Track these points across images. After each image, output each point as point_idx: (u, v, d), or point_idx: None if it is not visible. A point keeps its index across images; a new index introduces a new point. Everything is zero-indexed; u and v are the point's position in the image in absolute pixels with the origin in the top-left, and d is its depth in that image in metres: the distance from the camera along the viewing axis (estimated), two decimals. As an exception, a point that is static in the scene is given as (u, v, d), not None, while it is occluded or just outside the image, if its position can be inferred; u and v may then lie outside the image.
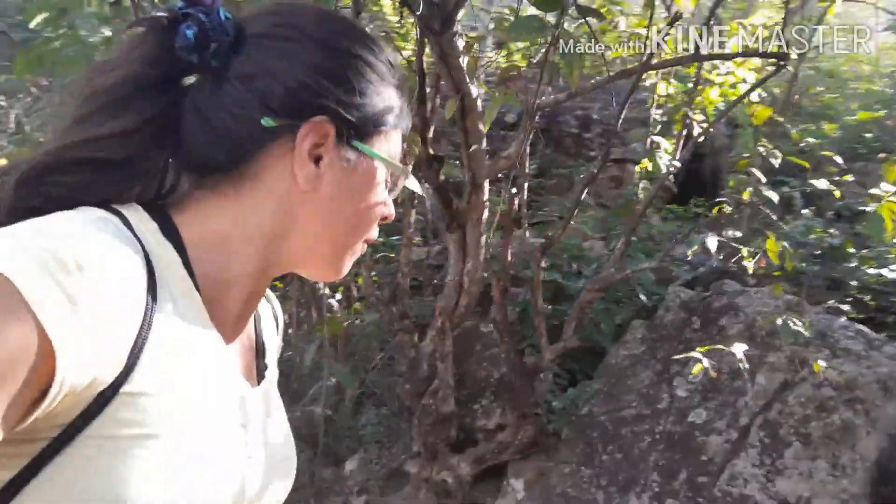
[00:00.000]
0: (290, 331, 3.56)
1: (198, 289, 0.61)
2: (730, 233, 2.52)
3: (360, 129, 0.65)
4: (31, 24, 2.45)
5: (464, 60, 2.48)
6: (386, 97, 0.68)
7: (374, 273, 3.50)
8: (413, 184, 0.75)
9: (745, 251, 2.44)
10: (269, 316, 0.82)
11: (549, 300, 3.33)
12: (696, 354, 2.26)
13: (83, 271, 0.49)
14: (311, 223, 0.66)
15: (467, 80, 2.50)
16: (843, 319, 2.97)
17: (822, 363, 2.35)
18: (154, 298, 0.55)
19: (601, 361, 3.40)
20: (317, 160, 0.64)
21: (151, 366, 0.53)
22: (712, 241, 2.38)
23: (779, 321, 2.31)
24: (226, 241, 0.64)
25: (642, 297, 3.45)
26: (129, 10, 2.60)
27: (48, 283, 0.46)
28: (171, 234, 0.61)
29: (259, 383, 0.73)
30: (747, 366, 2.24)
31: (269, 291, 0.81)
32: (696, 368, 2.26)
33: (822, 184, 2.44)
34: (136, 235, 0.57)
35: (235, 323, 0.68)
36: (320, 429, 3.20)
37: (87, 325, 0.48)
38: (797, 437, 2.61)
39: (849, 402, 2.62)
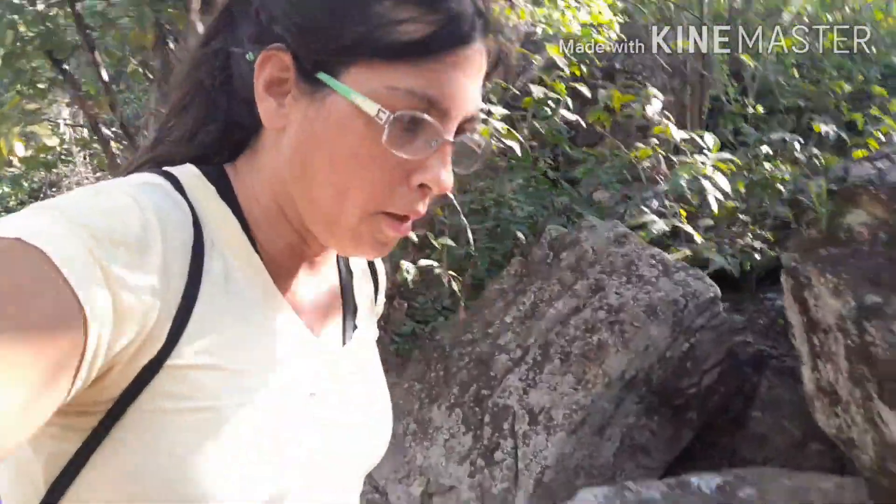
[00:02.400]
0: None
1: (258, 252, 0.58)
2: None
3: (327, 57, 0.53)
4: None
5: None
6: (381, 11, 0.53)
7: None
8: (475, 139, 0.60)
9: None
10: (364, 273, 0.76)
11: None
12: (405, 263, 2.60)
13: (118, 246, 0.47)
14: (292, 170, 0.56)
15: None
16: (654, 249, 3.03)
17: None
18: (200, 268, 0.53)
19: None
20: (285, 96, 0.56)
21: (198, 338, 0.51)
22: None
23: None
24: (259, 201, 0.59)
25: (520, 234, 3.68)
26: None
27: (84, 258, 0.45)
28: (230, 197, 0.58)
29: (345, 344, 0.67)
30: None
31: None
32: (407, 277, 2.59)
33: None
34: (187, 199, 0.55)
35: (307, 282, 0.64)
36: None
37: (121, 298, 0.46)
38: (560, 355, 2.80)
39: (611, 325, 2.76)
